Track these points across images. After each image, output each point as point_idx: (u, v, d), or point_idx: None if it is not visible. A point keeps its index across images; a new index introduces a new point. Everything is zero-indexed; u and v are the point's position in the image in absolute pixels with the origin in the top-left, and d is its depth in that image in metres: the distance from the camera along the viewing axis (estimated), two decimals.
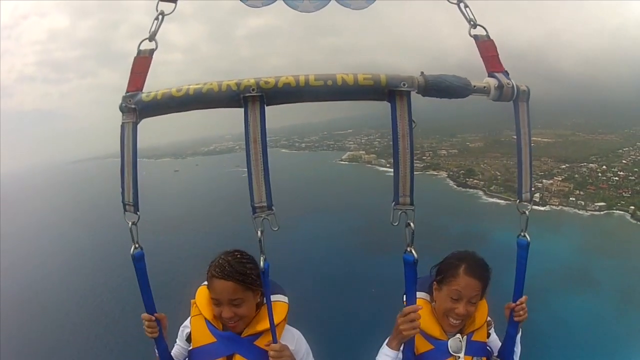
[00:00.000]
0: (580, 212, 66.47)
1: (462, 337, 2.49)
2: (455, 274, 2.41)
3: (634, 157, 78.69)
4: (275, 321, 2.26)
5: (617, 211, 64.66)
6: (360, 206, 71.87)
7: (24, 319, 44.00)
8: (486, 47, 2.24)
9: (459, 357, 2.45)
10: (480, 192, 77.01)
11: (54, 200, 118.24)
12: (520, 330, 2.54)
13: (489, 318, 2.66)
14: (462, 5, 2.23)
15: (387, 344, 2.32)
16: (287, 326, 2.47)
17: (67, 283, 53.41)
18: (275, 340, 2.26)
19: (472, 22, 2.23)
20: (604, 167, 75.24)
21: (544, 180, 73.84)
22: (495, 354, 2.67)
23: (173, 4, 2.19)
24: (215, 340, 2.36)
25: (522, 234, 2.30)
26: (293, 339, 2.45)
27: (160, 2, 2.17)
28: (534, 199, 68.04)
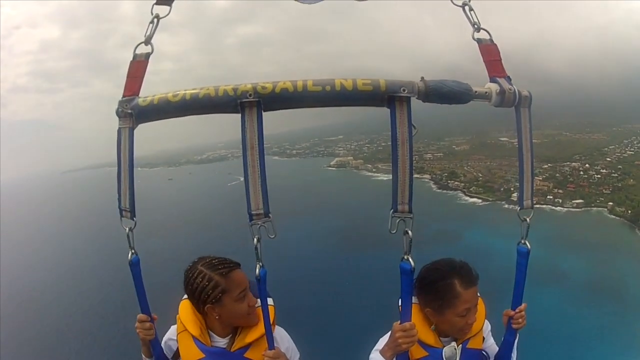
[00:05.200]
0: (557, 208, 66.95)
1: (457, 345, 2.41)
2: (456, 294, 2.30)
3: (619, 154, 79.42)
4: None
5: (595, 208, 65.31)
6: (343, 209, 73.93)
7: (20, 321, 45.63)
8: (489, 51, 2.21)
9: None
10: (460, 194, 77.67)
11: (46, 210, 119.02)
12: (517, 335, 2.49)
13: (486, 321, 2.57)
14: (466, 8, 2.20)
15: (380, 353, 2.24)
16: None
17: (61, 288, 55.32)
18: (271, 347, 2.24)
19: (476, 26, 2.19)
20: (587, 165, 76.02)
21: None
22: (492, 359, 2.61)
23: (168, 7, 2.19)
24: (204, 356, 2.30)
25: (522, 241, 2.28)
26: (281, 339, 2.46)
27: (155, 6, 2.17)
28: (511, 198, 69.48)
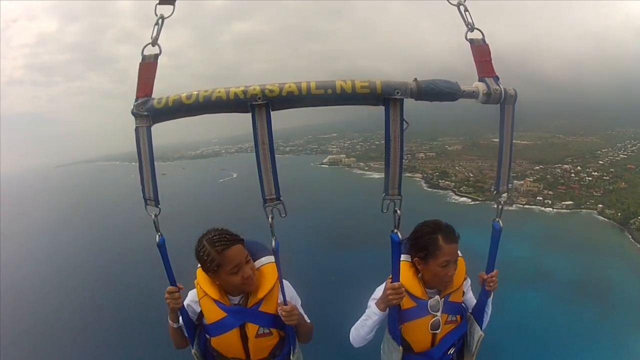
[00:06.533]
0: (547, 209, 66.98)
1: (441, 299, 2.79)
2: (438, 246, 2.66)
3: (611, 157, 79.93)
4: (273, 281, 2.65)
5: (585, 210, 65.32)
6: (334, 207, 74.29)
7: (14, 312, 45.58)
8: (480, 52, 2.29)
9: (437, 315, 2.76)
10: (451, 193, 77.56)
11: (40, 204, 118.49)
12: (492, 294, 2.84)
13: (466, 276, 2.94)
14: (461, 8, 2.28)
15: (375, 305, 2.70)
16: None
17: (54, 280, 55.38)
18: (285, 302, 2.58)
19: (469, 25, 2.27)
20: (578, 167, 76.16)
21: (515, 181, 74.43)
22: (470, 311, 2.98)
23: (172, 7, 2.23)
24: (226, 314, 2.63)
25: (496, 219, 2.57)
26: (287, 289, 2.70)
27: (158, 6, 2.22)
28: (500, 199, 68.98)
